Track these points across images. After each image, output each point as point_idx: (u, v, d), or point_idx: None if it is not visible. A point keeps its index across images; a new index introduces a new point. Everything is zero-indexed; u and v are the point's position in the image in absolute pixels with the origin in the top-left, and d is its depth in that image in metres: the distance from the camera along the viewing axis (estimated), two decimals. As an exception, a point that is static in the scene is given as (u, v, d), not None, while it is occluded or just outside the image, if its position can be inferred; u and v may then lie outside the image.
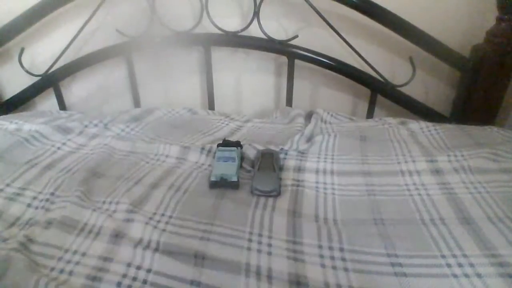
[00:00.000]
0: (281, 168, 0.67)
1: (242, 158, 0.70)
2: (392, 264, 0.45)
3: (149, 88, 1.14)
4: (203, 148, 0.72)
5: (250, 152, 0.71)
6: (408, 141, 0.76)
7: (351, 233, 0.51)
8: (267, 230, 0.51)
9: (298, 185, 0.62)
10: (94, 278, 0.41)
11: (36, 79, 1.04)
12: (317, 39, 1.00)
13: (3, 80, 1.12)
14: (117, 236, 0.47)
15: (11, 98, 1.06)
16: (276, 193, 0.59)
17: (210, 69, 1.04)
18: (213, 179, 0.61)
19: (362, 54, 0.93)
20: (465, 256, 0.45)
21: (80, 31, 0.97)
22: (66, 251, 0.44)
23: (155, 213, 0.54)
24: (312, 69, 1.03)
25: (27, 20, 0.97)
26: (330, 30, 0.92)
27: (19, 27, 0.98)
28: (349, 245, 0.49)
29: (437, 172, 0.64)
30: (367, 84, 0.97)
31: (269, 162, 0.65)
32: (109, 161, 0.69)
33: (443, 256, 0.46)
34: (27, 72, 1.01)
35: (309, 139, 0.78)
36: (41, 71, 1.03)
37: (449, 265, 0.44)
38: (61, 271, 0.42)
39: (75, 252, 0.44)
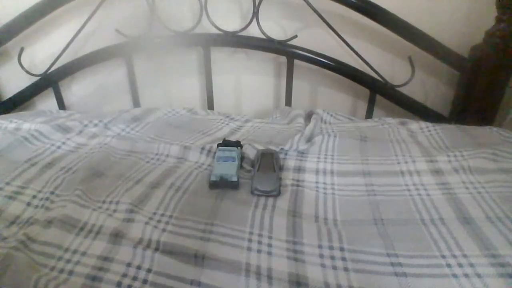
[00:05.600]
0: (281, 168, 0.67)
1: (242, 158, 0.70)
2: (392, 264, 0.45)
3: (149, 88, 1.13)
4: (203, 148, 0.72)
5: (250, 152, 0.71)
6: (408, 141, 0.76)
7: (351, 233, 0.51)
8: (267, 230, 0.51)
9: (298, 185, 0.62)
10: (94, 278, 0.41)
11: (35, 79, 1.04)
12: (316, 39, 1.00)
13: (3, 80, 1.12)
14: (117, 236, 0.47)
15: (10, 97, 1.06)
16: (276, 193, 0.59)
17: (209, 69, 1.04)
18: (213, 179, 0.60)
19: (361, 54, 0.93)
20: (465, 256, 0.45)
21: (80, 31, 0.97)
22: (66, 250, 0.44)
23: (155, 213, 0.54)
24: (311, 69, 1.03)
25: (27, 20, 0.97)
26: (329, 30, 0.92)
27: (18, 26, 0.98)
28: (349, 245, 0.48)
29: (437, 172, 0.64)
30: (366, 84, 0.97)
31: (269, 162, 0.65)
32: (109, 160, 0.69)
33: (443, 256, 0.46)
34: (27, 72, 1.01)
35: (309, 139, 0.78)
36: (41, 71, 1.03)
37: (449, 265, 0.44)
38: (61, 270, 0.42)
39: (75, 251, 0.44)
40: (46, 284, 0.38)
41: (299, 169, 0.67)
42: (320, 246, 0.48)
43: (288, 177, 0.65)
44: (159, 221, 0.52)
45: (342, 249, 0.48)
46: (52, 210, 0.54)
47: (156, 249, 0.46)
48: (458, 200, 0.56)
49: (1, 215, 0.53)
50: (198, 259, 0.45)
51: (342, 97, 1.10)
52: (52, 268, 0.42)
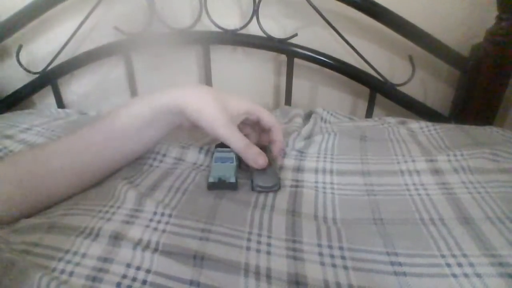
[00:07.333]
0: (274, 160, 0.66)
1: (240, 158, 0.70)
2: (392, 263, 0.45)
3: (148, 86, 1.13)
4: (201, 148, 0.72)
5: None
6: (408, 140, 0.76)
7: (350, 232, 0.51)
8: (266, 230, 0.51)
9: (297, 185, 0.62)
10: (94, 279, 0.41)
11: (34, 76, 1.03)
12: (316, 37, 0.99)
13: (1, 78, 1.11)
14: (117, 238, 0.46)
15: (9, 95, 1.06)
16: (277, 187, 0.59)
17: (209, 67, 1.04)
18: (211, 180, 0.60)
19: (362, 53, 0.93)
20: (464, 256, 0.45)
21: (78, 28, 0.97)
22: (67, 252, 0.44)
23: (155, 213, 0.54)
24: (311, 68, 1.03)
25: (25, 17, 0.96)
26: (330, 28, 0.92)
27: (17, 24, 0.97)
28: (349, 243, 0.48)
29: (436, 172, 0.64)
30: (366, 83, 0.97)
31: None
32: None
33: (442, 256, 0.46)
34: (25, 69, 1.01)
35: (307, 138, 0.78)
36: (39, 68, 1.02)
37: (448, 265, 0.44)
38: (62, 271, 0.41)
39: (75, 253, 0.44)
40: (47, 285, 0.38)
41: (298, 169, 0.67)
42: (319, 245, 0.48)
43: (287, 177, 0.64)
44: (158, 222, 0.51)
45: (341, 248, 0.48)
46: (52, 212, 0.53)
47: (156, 250, 0.46)
48: (458, 200, 0.56)
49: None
50: (197, 259, 0.45)
51: (342, 96, 1.10)
52: (54, 270, 0.41)
